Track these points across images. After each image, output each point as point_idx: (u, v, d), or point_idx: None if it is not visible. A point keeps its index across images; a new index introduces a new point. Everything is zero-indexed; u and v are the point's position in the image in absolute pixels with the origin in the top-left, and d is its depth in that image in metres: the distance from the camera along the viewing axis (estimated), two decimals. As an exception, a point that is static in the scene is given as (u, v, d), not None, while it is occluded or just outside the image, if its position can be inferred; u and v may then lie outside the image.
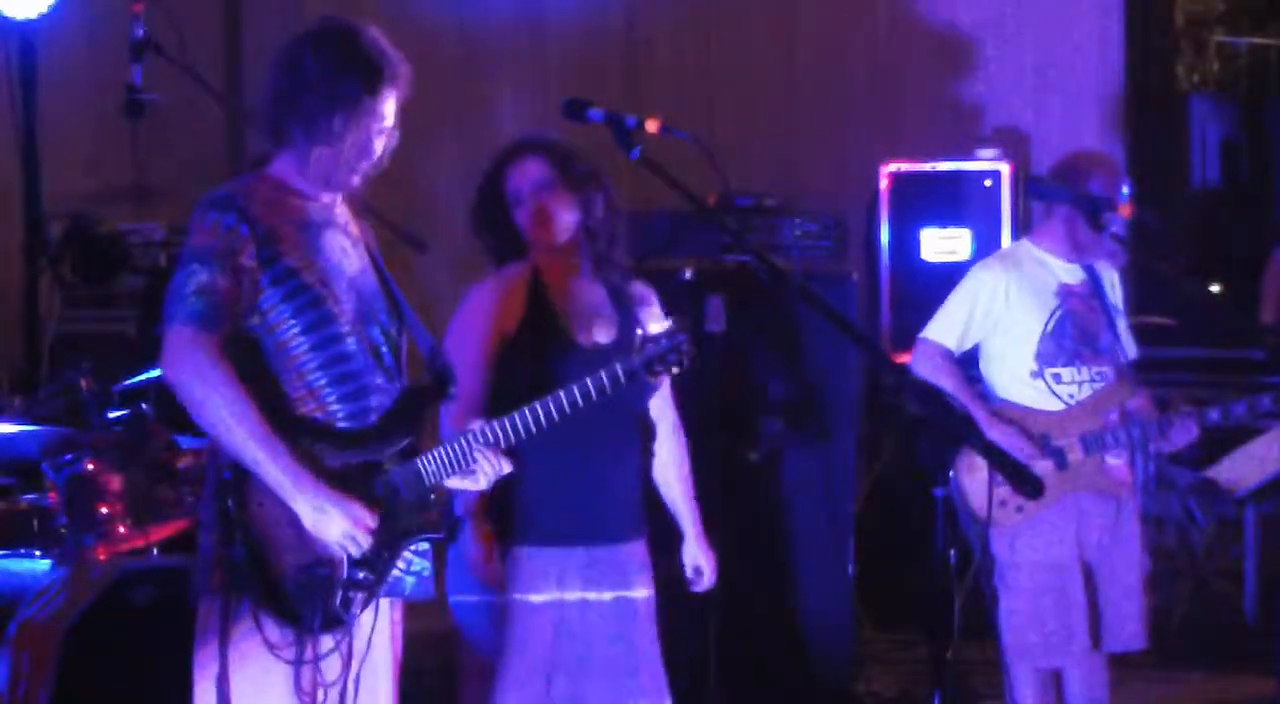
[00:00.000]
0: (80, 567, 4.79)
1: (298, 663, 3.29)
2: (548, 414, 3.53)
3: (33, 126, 7.13)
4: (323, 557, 3.30)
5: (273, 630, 3.29)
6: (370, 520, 3.30)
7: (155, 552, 4.99)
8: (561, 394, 3.54)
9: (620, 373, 3.54)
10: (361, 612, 3.37)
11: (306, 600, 3.27)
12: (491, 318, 3.95)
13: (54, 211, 7.37)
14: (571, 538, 3.94)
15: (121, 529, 4.93)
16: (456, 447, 3.44)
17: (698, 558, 4.20)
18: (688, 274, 5.91)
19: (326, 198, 3.48)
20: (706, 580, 4.20)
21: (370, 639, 3.41)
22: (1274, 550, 7.27)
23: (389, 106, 3.44)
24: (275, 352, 3.36)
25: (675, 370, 3.57)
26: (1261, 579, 7.17)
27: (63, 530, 4.92)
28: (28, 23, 6.94)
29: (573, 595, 3.93)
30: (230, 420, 3.24)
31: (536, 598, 3.91)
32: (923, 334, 4.99)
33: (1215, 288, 8.89)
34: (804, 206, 6.64)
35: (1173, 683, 6.34)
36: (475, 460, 3.45)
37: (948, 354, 4.93)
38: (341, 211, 3.53)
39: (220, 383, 3.24)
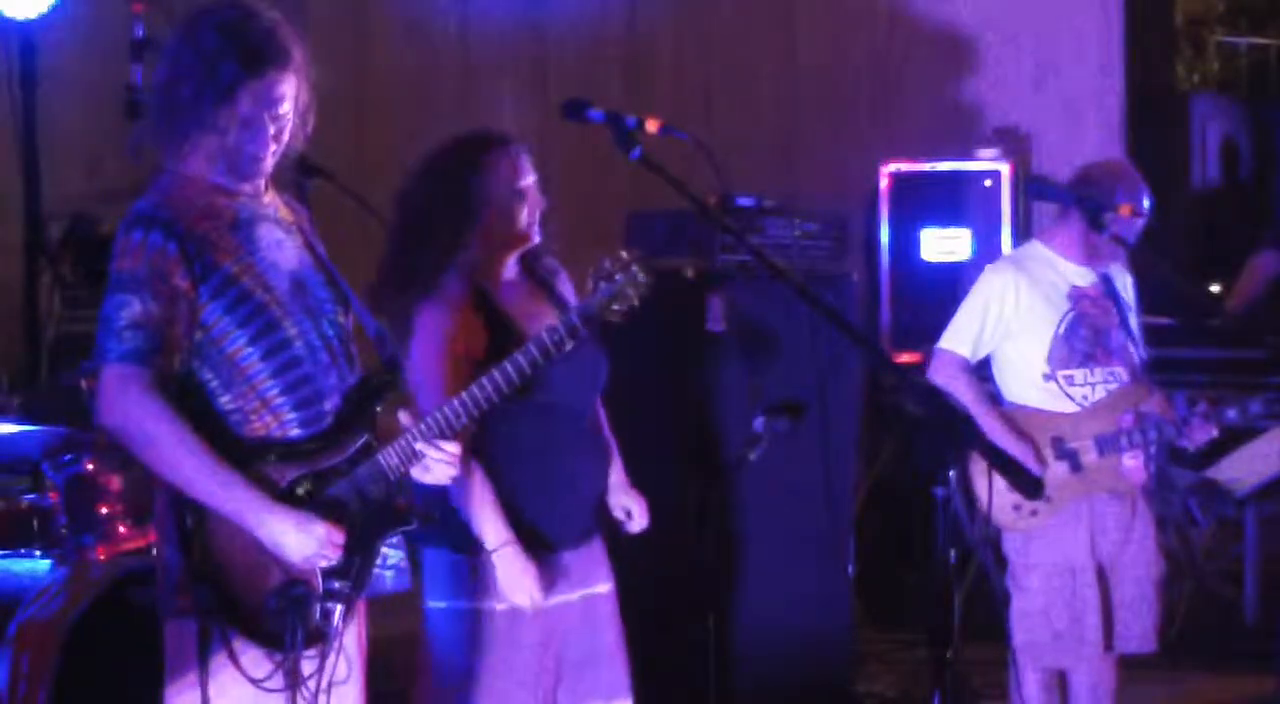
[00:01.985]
0: (80, 567, 4.79)
1: (289, 689, 3.20)
2: (508, 380, 3.42)
3: (33, 126, 7.11)
4: (296, 575, 3.21)
5: (251, 656, 3.21)
6: (336, 534, 3.22)
7: (155, 552, 4.98)
8: (520, 357, 3.43)
9: (576, 320, 3.44)
10: (344, 621, 3.30)
11: (285, 621, 3.18)
12: (454, 343, 3.78)
13: (54, 211, 7.36)
14: (550, 543, 3.87)
15: (121, 529, 4.93)
16: (408, 439, 3.34)
17: (625, 500, 4.05)
18: (688, 274, 5.91)
19: (250, 189, 3.36)
20: (638, 522, 4.06)
21: (341, 640, 3.33)
22: (1274, 550, 7.27)
23: (281, 89, 3.28)
24: (224, 365, 3.26)
25: (635, 303, 3.45)
26: (1261, 579, 7.17)
27: (63, 530, 4.92)
28: (28, 23, 6.93)
29: (555, 600, 3.87)
30: (175, 459, 3.16)
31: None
32: (938, 345, 4.96)
33: (1215, 288, 8.89)
34: (804, 206, 6.63)
35: (1173, 683, 6.33)
36: (422, 453, 3.33)
37: (964, 364, 4.91)
38: (270, 200, 3.41)
39: (161, 421, 3.16)
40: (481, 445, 3.79)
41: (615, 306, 3.44)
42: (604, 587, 4.00)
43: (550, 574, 3.86)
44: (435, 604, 3.90)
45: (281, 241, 3.37)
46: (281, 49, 3.29)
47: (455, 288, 3.85)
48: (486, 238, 3.88)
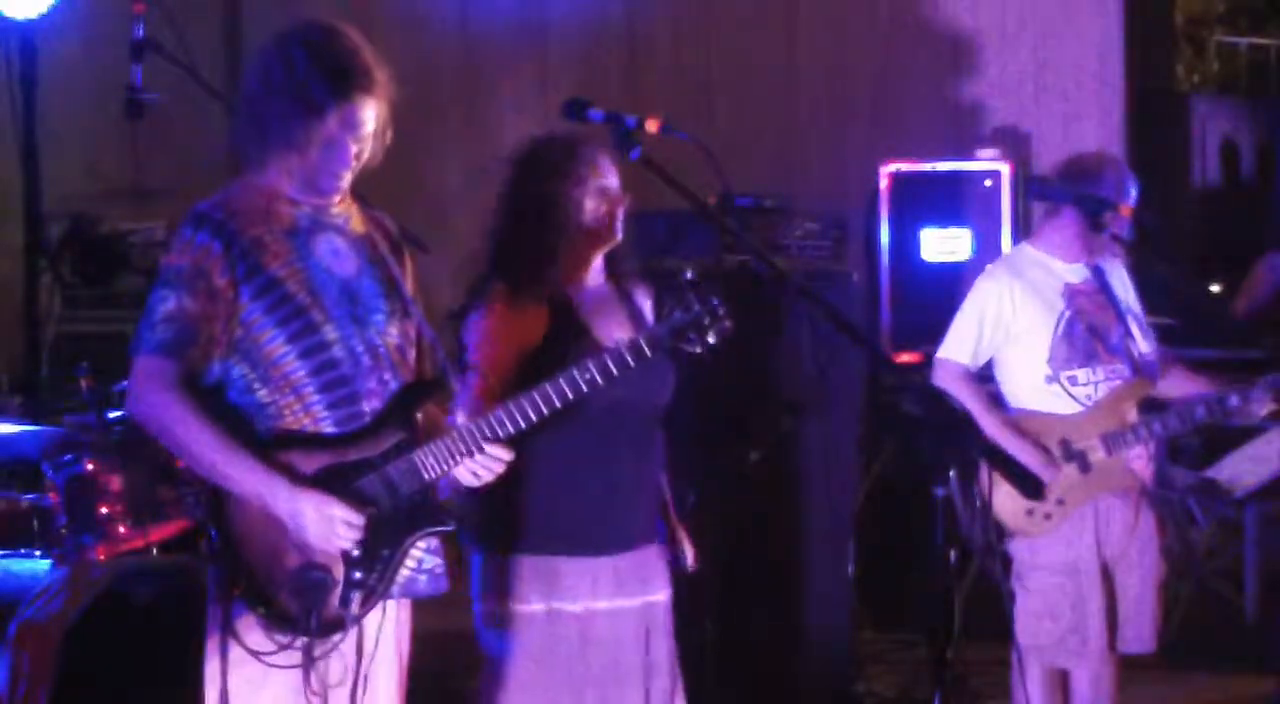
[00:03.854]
0: (80, 567, 4.79)
1: (303, 667, 3.25)
2: (561, 394, 3.37)
3: (33, 126, 7.13)
4: (316, 560, 3.27)
5: (269, 636, 3.27)
6: (354, 518, 3.26)
7: (155, 552, 4.99)
8: (574, 372, 3.38)
9: (644, 342, 3.37)
10: (365, 611, 3.33)
11: (302, 604, 3.24)
12: (512, 333, 3.74)
13: (54, 211, 7.38)
14: (602, 547, 3.83)
15: (121, 529, 4.94)
16: (450, 441, 3.36)
17: (676, 548, 4.02)
18: (688, 274, 5.90)
19: (319, 200, 3.43)
20: (687, 566, 4.02)
21: (377, 639, 3.38)
22: (1274, 550, 7.27)
23: (365, 113, 3.36)
24: (261, 361, 3.33)
25: (711, 339, 3.32)
26: (1261, 579, 7.17)
27: (63, 530, 4.92)
28: (28, 23, 6.94)
29: (603, 604, 3.83)
30: (194, 447, 3.26)
31: (571, 607, 3.80)
32: (938, 355, 4.95)
33: (1215, 288, 8.90)
34: (804, 206, 6.64)
35: (1173, 683, 6.33)
36: (468, 454, 3.35)
37: (966, 371, 4.90)
38: (341, 211, 3.47)
39: (181, 410, 3.25)
40: (540, 445, 3.70)
41: (690, 335, 3.34)
42: (662, 595, 3.95)
43: (600, 576, 3.82)
44: (481, 606, 3.86)
45: (340, 251, 3.44)
46: (367, 72, 3.37)
47: (533, 291, 3.80)
48: (571, 240, 3.84)
